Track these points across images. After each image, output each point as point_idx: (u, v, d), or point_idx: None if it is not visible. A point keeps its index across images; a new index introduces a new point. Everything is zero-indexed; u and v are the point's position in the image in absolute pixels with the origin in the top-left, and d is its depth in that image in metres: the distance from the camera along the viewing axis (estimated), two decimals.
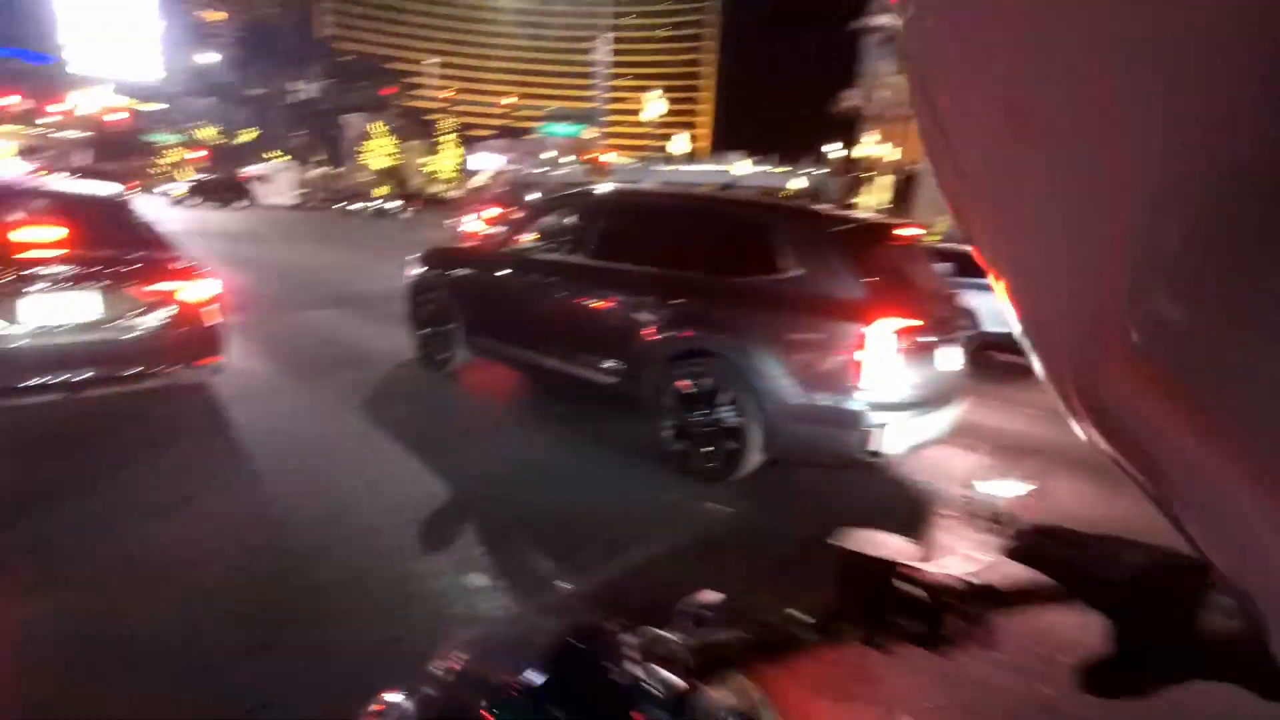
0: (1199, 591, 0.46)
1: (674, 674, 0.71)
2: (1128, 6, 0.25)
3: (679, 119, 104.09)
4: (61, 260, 3.91)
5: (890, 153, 33.65)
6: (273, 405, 4.88)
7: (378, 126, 62.63)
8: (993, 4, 0.30)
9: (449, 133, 70.72)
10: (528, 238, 5.52)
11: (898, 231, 4.24)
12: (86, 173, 33.28)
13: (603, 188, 6.26)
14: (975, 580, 0.68)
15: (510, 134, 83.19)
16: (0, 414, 3.83)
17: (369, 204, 40.71)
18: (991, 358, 6.41)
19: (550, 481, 3.90)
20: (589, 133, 75.78)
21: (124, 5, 68.71)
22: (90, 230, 4.22)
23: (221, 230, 20.46)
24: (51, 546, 2.84)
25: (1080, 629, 0.53)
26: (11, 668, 2.18)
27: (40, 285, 3.77)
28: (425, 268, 6.02)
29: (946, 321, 4.02)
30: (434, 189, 54.31)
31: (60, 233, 4.06)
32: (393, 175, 57.25)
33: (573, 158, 68.84)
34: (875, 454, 3.58)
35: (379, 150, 61.57)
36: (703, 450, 3.94)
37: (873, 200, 32.27)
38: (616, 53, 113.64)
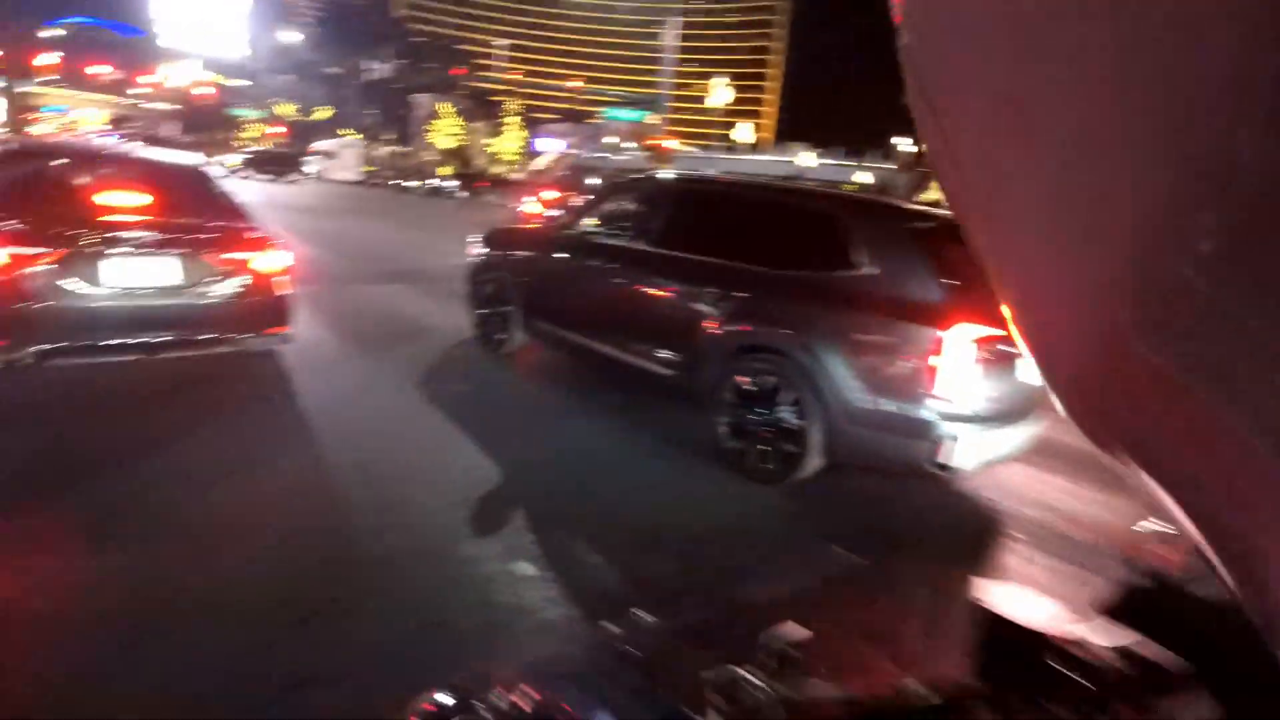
0: None
1: None
2: (1127, 6, 0.25)
3: (744, 108, 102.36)
4: (145, 226, 4.06)
5: None
6: (334, 377, 4.98)
7: (445, 107, 63.83)
8: (993, 4, 0.30)
9: (514, 115, 71.48)
10: (589, 222, 5.45)
11: None
12: (171, 143, 35.05)
13: (668, 173, 6.14)
14: (1151, 661, 0.57)
15: (573, 118, 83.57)
16: (78, 371, 4.02)
17: (425, 182, 41.42)
18: None
19: (603, 473, 3.84)
20: (652, 119, 75.54)
21: None
22: (173, 198, 4.37)
23: (286, 204, 21.20)
24: (114, 508, 2.94)
25: None
26: (61, 628, 2.22)
27: (123, 249, 3.92)
28: (487, 249, 6.04)
29: None
30: (497, 170, 55.04)
31: (145, 199, 4.22)
32: (457, 155, 58.25)
33: (634, 144, 68.72)
34: (944, 467, 3.37)
35: (445, 130, 62.77)
36: (759, 449, 3.81)
37: (941, 197, 31.17)
38: (684, 38, 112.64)
